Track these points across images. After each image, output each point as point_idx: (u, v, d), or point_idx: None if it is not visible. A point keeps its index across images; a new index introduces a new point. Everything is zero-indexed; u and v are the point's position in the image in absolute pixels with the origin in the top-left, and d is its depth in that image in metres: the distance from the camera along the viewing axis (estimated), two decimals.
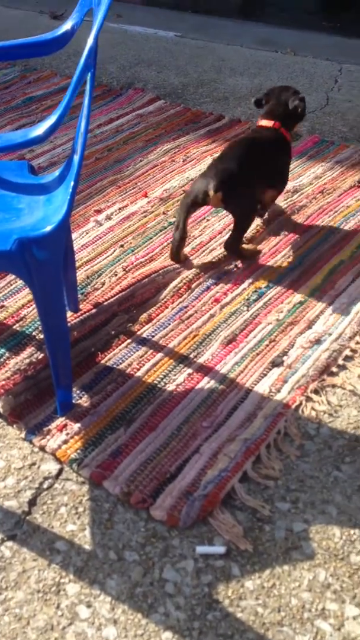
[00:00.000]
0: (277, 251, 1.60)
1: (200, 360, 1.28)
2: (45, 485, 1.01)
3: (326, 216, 1.73)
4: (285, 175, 1.63)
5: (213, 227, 1.69)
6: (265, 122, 1.61)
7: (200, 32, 3.18)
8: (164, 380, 1.22)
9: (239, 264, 1.55)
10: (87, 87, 1.03)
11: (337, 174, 1.92)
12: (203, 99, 2.47)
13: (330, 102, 2.42)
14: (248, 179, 1.47)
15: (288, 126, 1.61)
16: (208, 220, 1.73)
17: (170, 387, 1.21)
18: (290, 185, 1.85)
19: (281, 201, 1.78)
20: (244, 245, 1.55)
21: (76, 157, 1.03)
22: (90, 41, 0.96)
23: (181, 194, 1.83)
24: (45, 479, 1.02)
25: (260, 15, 3.43)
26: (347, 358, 1.27)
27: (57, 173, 1.18)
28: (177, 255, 1.51)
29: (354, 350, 1.29)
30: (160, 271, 1.51)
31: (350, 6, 3.36)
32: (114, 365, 1.25)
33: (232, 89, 2.55)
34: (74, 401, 1.16)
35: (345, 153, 2.03)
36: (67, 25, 1.18)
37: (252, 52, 2.92)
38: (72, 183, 1.03)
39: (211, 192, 1.43)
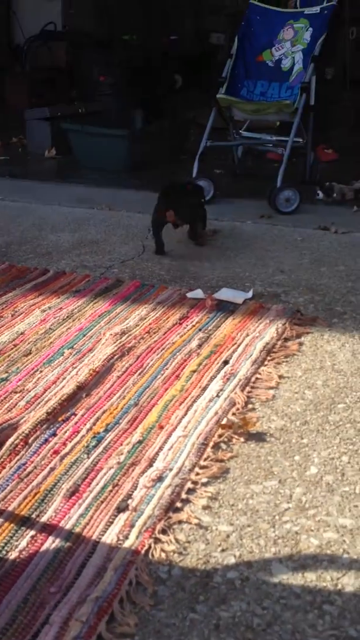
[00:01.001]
0: (112, 393, 1.63)
1: (43, 518, 1.22)
2: None
3: (155, 354, 1.82)
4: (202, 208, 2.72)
5: (47, 377, 1.70)
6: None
7: (19, 195, 3.35)
8: (5, 548, 1.15)
9: (76, 411, 1.55)
10: None
11: (160, 314, 2.06)
12: (27, 255, 2.56)
13: (146, 249, 2.63)
14: (184, 203, 2.56)
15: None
16: (41, 372, 1.73)
17: (13, 555, 1.13)
18: (118, 329, 1.94)
19: (111, 345, 1.85)
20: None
21: None
22: None
23: (12, 349, 1.83)
24: None
25: (74, 177, 3.72)
26: (190, 491, 1.29)
27: None
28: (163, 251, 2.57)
29: (195, 482, 1.31)
30: None
31: (153, 165, 3.81)
32: None
33: (54, 244, 2.68)
34: None
35: (165, 294, 2.20)
36: None
37: (70, 210, 3.13)
38: None
39: (168, 213, 2.51)
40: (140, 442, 1.44)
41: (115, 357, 1.79)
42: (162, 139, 3.99)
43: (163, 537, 1.17)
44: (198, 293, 2.18)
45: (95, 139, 3.84)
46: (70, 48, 5.59)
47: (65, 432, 1.48)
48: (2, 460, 1.38)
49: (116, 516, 1.22)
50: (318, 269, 2.44)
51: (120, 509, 1.24)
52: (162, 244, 2.58)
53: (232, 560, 1.12)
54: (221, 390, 1.63)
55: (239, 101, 3.19)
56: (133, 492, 1.29)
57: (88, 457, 1.39)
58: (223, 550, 1.14)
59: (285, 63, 3.21)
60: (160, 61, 4.83)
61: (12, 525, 1.20)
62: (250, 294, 2.18)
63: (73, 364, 1.77)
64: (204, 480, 1.32)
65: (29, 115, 4.33)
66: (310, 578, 1.09)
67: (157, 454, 1.40)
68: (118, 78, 4.63)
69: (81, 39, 5.56)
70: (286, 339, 1.89)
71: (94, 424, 1.51)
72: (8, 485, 1.30)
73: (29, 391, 1.64)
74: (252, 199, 3.14)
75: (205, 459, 1.38)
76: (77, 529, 1.19)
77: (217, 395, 1.61)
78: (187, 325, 1.98)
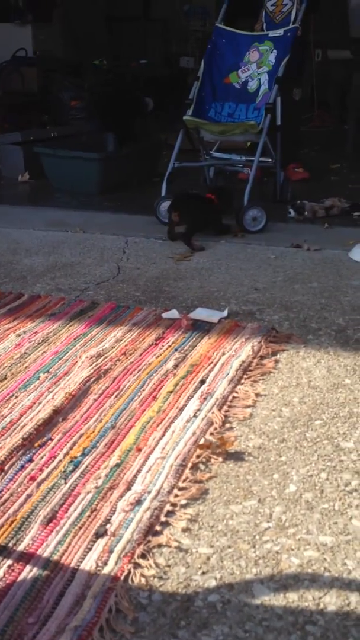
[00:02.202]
0: (88, 417, 1.62)
1: (20, 547, 1.20)
2: None
3: (131, 376, 1.81)
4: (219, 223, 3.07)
5: (22, 403, 1.68)
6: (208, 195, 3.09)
7: None
8: None
9: (53, 435, 1.53)
10: None
11: (136, 335, 2.05)
12: (1, 279, 2.54)
13: (121, 271, 2.63)
14: (191, 209, 2.97)
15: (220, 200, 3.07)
16: (17, 397, 1.71)
17: None
18: (94, 351, 1.93)
19: (87, 367, 1.84)
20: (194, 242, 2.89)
21: None
22: None
23: None
24: None
25: (48, 201, 3.73)
26: (169, 513, 1.28)
27: None
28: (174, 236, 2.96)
29: (174, 504, 1.30)
30: None
31: (126, 188, 3.83)
32: None
33: (29, 268, 2.67)
34: None
35: (141, 315, 2.19)
36: None
37: (44, 234, 3.12)
38: None
39: (172, 214, 2.93)
40: (118, 465, 1.43)
41: (92, 379, 1.78)
42: (134, 162, 4.02)
43: (143, 562, 1.15)
44: (173, 313, 2.18)
45: (68, 162, 3.85)
46: (42, 73, 5.64)
47: (42, 457, 1.46)
48: None
49: (95, 542, 1.20)
50: (292, 286, 2.46)
51: (99, 535, 1.22)
52: (172, 233, 2.99)
53: (213, 583, 1.11)
54: (198, 410, 1.63)
55: (205, 123, 3.24)
56: (111, 516, 1.27)
57: (65, 483, 1.37)
58: (204, 573, 1.13)
59: (252, 84, 3.27)
60: (130, 85, 4.88)
61: None
62: (225, 313, 2.19)
63: (49, 388, 1.75)
64: (183, 502, 1.31)
65: (1, 140, 4.33)
66: (292, 598, 1.08)
67: (135, 476, 1.39)
68: (89, 102, 4.67)
69: (52, 64, 5.61)
70: (262, 357, 1.90)
71: (71, 448, 1.49)
72: None
73: (5, 417, 1.61)
74: (225, 218, 3.17)
75: (183, 481, 1.37)
76: (55, 557, 1.17)
77: (195, 415, 1.60)
78: (163, 346, 1.98)
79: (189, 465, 1.42)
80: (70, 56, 6.10)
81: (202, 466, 1.42)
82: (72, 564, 1.15)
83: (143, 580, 1.11)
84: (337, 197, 3.45)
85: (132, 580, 1.11)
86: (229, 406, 1.65)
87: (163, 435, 1.53)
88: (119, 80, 5.07)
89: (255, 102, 3.26)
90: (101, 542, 1.20)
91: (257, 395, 1.70)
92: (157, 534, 1.23)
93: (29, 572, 1.14)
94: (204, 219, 2.99)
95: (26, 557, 1.17)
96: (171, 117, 3.54)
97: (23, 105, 5.21)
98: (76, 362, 1.88)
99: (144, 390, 1.73)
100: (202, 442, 1.50)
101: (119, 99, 4.29)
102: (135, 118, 4.40)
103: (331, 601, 1.07)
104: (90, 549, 1.19)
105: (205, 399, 1.68)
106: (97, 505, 1.30)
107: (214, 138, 3.34)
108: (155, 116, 4.65)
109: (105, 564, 1.15)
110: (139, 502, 1.31)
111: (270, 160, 3.30)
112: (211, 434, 1.53)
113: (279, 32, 3.24)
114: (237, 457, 1.45)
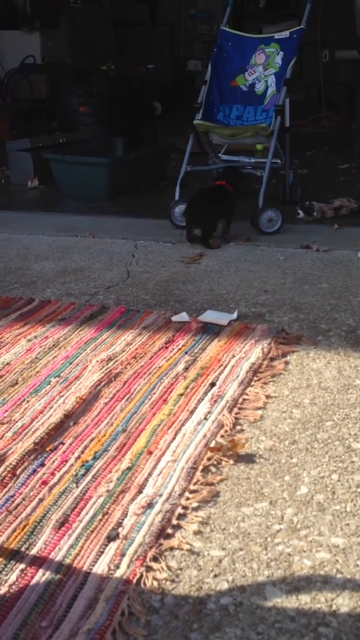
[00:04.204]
0: (99, 420, 1.62)
1: (33, 551, 1.20)
2: None
3: (142, 379, 1.81)
4: (232, 210, 3.01)
5: (34, 407, 1.69)
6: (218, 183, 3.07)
7: (3, 226, 3.36)
8: None
9: (64, 440, 1.54)
10: None
11: (146, 339, 2.06)
12: (12, 285, 2.56)
13: (131, 274, 2.64)
14: (204, 214, 2.96)
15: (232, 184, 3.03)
16: (28, 401, 1.72)
17: (3, 589, 1.11)
18: (104, 355, 1.94)
19: (97, 371, 1.84)
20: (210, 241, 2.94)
21: None
22: None
23: None
24: None
25: (57, 206, 3.75)
26: (180, 516, 1.28)
27: None
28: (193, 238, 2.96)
29: (185, 507, 1.30)
30: None
31: (134, 192, 3.84)
32: None
33: (39, 273, 2.68)
34: None
35: (150, 318, 2.20)
36: None
37: (54, 239, 3.14)
38: None
39: (193, 229, 2.95)
40: (129, 468, 1.43)
41: (102, 383, 1.79)
42: (142, 166, 4.04)
43: (155, 565, 1.15)
44: (183, 316, 2.19)
45: (76, 168, 3.88)
46: (50, 80, 5.68)
47: (54, 461, 1.47)
48: None
49: (107, 545, 1.21)
50: (301, 287, 2.46)
51: (111, 538, 1.22)
52: (191, 235, 2.98)
53: (225, 586, 1.11)
54: (209, 412, 1.63)
55: (215, 126, 3.24)
56: (123, 520, 1.27)
57: (77, 486, 1.38)
58: (216, 576, 1.13)
59: (259, 87, 3.27)
60: (138, 89, 4.90)
61: (1, 559, 1.18)
62: (235, 315, 2.19)
63: (60, 392, 1.76)
64: (195, 504, 1.31)
65: (10, 147, 4.37)
66: (304, 600, 1.08)
67: (146, 480, 1.39)
68: (97, 107, 4.69)
69: (60, 71, 5.65)
70: (272, 359, 1.89)
71: (82, 452, 1.50)
72: None
73: (16, 422, 1.62)
74: (233, 220, 3.17)
75: (195, 483, 1.37)
76: (68, 560, 1.18)
77: (205, 418, 1.61)
78: (173, 349, 1.98)
79: (200, 468, 1.42)
80: (78, 62, 6.15)
81: (213, 469, 1.42)
82: (85, 568, 1.16)
83: (155, 583, 1.11)
84: (346, 198, 3.44)
85: (145, 584, 1.11)
86: (240, 408, 1.65)
87: (174, 438, 1.53)
88: (127, 85, 5.09)
89: (263, 104, 3.26)
90: (113, 546, 1.21)
91: (268, 397, 1.70)
92: (168, 537, 1.23)
93: (41, 575, 1.14)
94: (217, 216, 2.99)
95: (39, 561, 1.18)
96: (180, 121, 3.55)
97: (32, 112, 5.26)
98: (87, 366, 1.89)
99: (154, 393, 1.74)
100: (212, 444, 1.50)
101: (126, 104, 4.31)
102: (143, 122, 4.42)
103: (344, 603, 1.07)
104: (102, 552, 1.19)
105: (215, 401, 1.68)
106: (108, 508, 1.31)
107: (224, 141, 3.34)
108: (163, 120, 4.66)
109: (117, 567, 1.16)
110: (150, 505, 1.31)
111: (279, 161, 3.30)
112: (222, 436, 1.53)
113: (285, 34, 3.24)
114: (248, 459, 1.45)
